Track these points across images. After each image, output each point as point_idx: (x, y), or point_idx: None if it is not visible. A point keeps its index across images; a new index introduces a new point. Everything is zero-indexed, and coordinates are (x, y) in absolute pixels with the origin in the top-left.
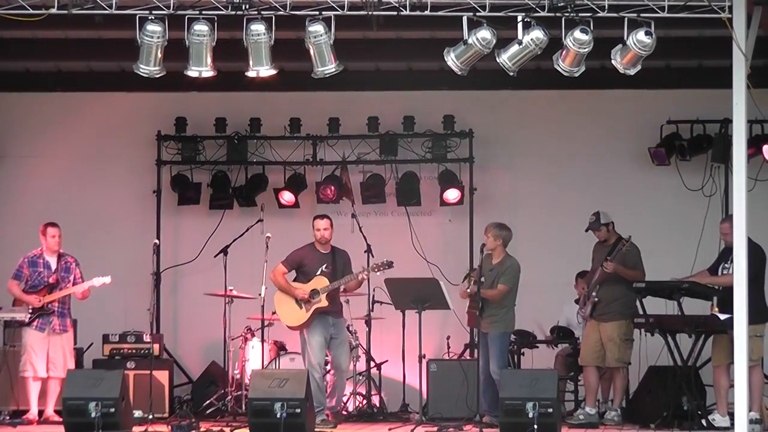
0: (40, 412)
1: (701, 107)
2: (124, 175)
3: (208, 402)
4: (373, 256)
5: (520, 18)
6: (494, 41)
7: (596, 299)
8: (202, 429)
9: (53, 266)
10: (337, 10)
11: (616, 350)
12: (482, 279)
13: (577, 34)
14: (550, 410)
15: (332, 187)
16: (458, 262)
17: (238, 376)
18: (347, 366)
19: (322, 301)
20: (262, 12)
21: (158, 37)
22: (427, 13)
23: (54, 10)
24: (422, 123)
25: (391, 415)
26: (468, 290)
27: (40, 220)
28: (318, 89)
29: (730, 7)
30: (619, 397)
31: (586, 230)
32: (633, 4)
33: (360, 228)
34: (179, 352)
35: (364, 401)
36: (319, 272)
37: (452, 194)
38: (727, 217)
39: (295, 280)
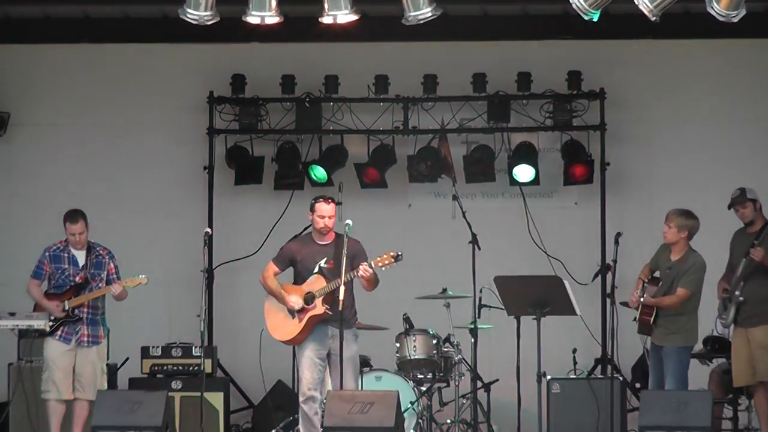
0: None
1: None
2: (167, 147)
3: (273, 431)
4: (479, 249)
5: None
6: None
7: (741, 299)
8: None
9: (81, 261)
10: None
11: None
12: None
13: None
14: None
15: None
16: (586, 256)
17: None
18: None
19: (318, 307)
20: None
21: None
22: None
23: None
24: (541, 81)
25: None
26: (642, 299)
27: (64, 204)
28: (410, 39)
29: None
30: None
31: (729, 207)
32: None
33: (463, 213)
34: (237, 369)
35: (469, 431)
36: (316, 269)
37: (579, 171)
38: None
39: (294, 282)
